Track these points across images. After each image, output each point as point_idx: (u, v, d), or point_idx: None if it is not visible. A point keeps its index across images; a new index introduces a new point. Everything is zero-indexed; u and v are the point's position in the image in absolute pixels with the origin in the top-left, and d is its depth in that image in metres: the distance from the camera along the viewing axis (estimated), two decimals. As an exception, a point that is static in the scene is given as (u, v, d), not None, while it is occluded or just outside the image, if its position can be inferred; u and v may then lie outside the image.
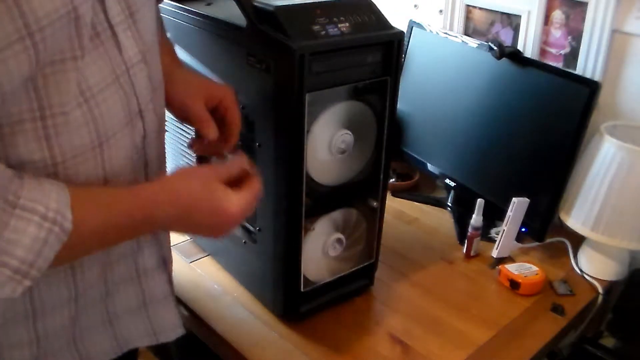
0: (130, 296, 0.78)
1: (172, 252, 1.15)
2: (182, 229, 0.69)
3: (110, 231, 0.61)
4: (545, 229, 1.15)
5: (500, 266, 1.11)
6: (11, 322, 0.66)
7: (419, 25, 1.42)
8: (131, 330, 0.79)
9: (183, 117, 0.81)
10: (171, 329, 0.83)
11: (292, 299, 0.96)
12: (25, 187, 0.55)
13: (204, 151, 0.90)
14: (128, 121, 0.65)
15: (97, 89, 0.60)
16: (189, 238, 1.20)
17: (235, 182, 0.69)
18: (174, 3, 1.00)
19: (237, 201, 0.67)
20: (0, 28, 0.49)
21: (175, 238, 1.20)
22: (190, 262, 1.13)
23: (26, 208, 0.54)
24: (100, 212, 0.60)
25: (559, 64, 1.23)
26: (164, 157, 0.79)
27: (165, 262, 0.82)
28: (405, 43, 1.42)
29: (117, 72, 0.62)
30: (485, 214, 1.16)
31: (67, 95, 0.57)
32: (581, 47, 1.18)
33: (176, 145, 1.14)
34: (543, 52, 1.26)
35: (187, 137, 1.09)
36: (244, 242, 1.01)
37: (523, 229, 1.16)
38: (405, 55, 1.43)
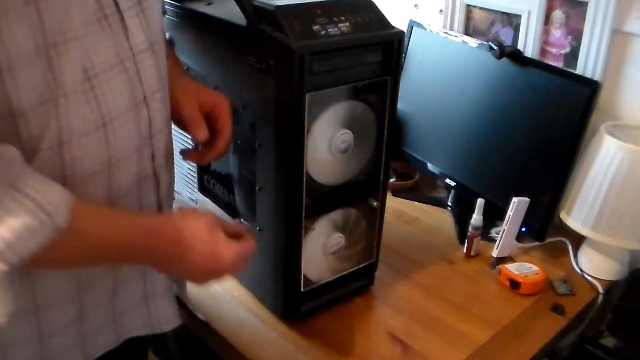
0: (135, 292, 0.79)
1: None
2: (174, 266, 0.68)
3: (105, 248, 0.61)
4: (545, 228, 1.15)
5: (500, 266, 1.11)
6: (14, 319, 0.65)
7: (419, 25, 1.42)
8: (130, 323, 0.80)
9: (176, 118, 0.82)
10: (167, 321, 0.84)
11: (292, 298, 0.96)
12: (35, 177, 0.55)
13: (193, 159, 0.93)
14: (132, 106, 0.66)
15: (101, 69, 0.61)
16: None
17: (234, 237, 0.72)
18: (174, 3, 1.00)
19: (234, 251, 0.69)
20: None
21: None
22: (191, 262, 1.13)
23: (28, 195, 0.54)
24: (100, 224, 0.60)
25: (559, 64, 1.23)
26: (172, 153, 0.81)
27: None
28: (406, 43, 1.42)
29: (123, 56, 0.64)
30: (486, 213, 1.16)
31: (73, 74, 0.58)
32: (581, 47, 1.18)
33: (176, 145, 1.14)
34: (543, 51, 1.26)
35: (187, 137, 1.09)
36: (244, 242, 1.01)
37: (523, 229, 1.16)
38: (405, 55, 1.43)
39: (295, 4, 0.83)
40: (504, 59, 1.21)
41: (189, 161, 1.01)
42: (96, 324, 0.75)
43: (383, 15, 0.88)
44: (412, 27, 1.43)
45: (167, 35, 1.01)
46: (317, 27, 0.81)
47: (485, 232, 1.20)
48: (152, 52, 0.68)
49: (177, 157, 1.15)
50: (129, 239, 0.62)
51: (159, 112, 0.71)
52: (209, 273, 0.69)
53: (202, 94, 0.83)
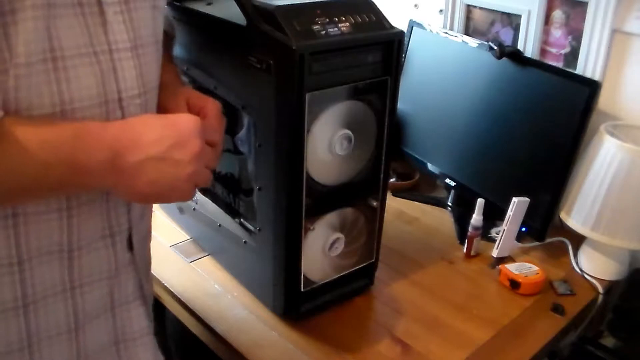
0: (102, 332, 0.71)
1: (173, 252, 1.16)
2: (135, 159, 0.59)
3: (44, 151, 0.55)
4: (545, 228, 1.15)
5: (500, 266, 1.11)
6: None
7: (419, 25, 1.42)
8: None
9: None
10: None
11: (292, 298, 0.96)
12: None
13: None
14: (102, 102, 0.62)
15: (69, 53, 0.57)
16: (188, 237, 1.20)
17: None
18: (174, 3, 1.00)
19: (193, 116, 0.63)
20: None
21: (175, 238, 1.20)
22: (190, 262, 1.13)
23: None
24: (38, 127, 0.55)
25: (559, 64, 1.23)
26: None
27: (144, 294, 0.77)
28: (406, 43, 1.42)
29: (97, 49, 0.60)
30: (486, 213, 1.16)
31: (30, 44, 0.54)
32: (581, 47, 1.18)
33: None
34: (543, 51, 1.26)
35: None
36: (244, 242, 1.01)
37: (523, 229, 1.16)
38: (405, 55, 1.43)
39: (295, 4, 0.83)
40: (504, 59, 1.21)
41: None
42: None
43: (383, 15, 0.88)
44: (412, 27, 1.43)
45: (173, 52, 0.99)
46: (317, 27, 0.81)
47: (485, 232, 1.20)
48: (135, 54, 0.64)
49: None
50: (74, 136, 0.56)
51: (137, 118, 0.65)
52: (178, 147, 0.60)
53: (191, 97, 0.78)
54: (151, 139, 0.59)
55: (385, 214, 1.01)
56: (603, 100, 1.14)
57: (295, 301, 0.96)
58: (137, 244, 0.73)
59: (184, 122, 0.62)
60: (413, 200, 1.40)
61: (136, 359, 0.75)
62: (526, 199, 1.12)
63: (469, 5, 1.37)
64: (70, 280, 0.66)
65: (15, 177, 0.55)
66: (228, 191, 1.04)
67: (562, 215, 1.14)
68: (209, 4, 0.98)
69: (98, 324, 0.71)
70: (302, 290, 0.95)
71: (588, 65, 1.18)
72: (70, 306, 0.67)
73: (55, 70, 0.57)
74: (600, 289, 1.10)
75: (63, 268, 0.65)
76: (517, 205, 1.12)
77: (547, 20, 1.23)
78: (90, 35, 0.60)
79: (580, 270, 1.15)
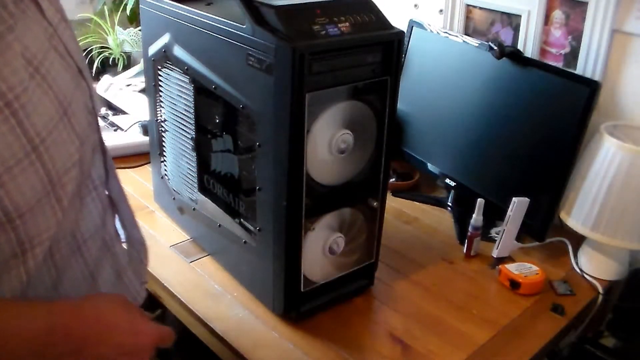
0: (109, 272, 0.73)
1: (173, 253, 1.16)
2: (90, 353, 0.60)
3: (16, 345, 0.53)
4: (545, 228, 1.15)
5: (500, 266, 1.11)
6: None
7: (419, 25, 1.42)
8: None
9: None
10: (142, 288, 0.79)
11: (292, 298, 0.96)
12: None
13: None
14: (76, 83, 0.62)
15: (41, 55, 0.56)
16: (188, 238, 1.20)
17: None
18: (174, 3, 1.00)
19: (154, 327, 0.67)
20: None
21: (175, 238, 1.20)
22: (190, 262, 1.13)
23: None
24: (11, 315, 0.53)
25: (559, 64, 1.23)
26: None
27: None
28: (405, 43, 1.42)
29: (47, 35, 0.59)
30: (486, 213, 1.16)
31: (19, 70, 0.53)
32: (581, 47, 1.18)
33: (176, 145, 1.14)
34: (543, 51, 1.26)
35: (187, 137, 1.09)
36: (244, 242, 1.01)
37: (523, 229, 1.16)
38: (405, 55, 1.43)
39: (295, 4, 0.83)
40: (504, 59, 1.21)
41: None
42: None
43: (383, 15, 0.89)
44: (412, 27, 1.43)
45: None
46: (317, 27, 0.81)
47: (485, 232, 1.20)
48: (66, 22, 0.63)
49: (176, 158, 1.15)
50: (48, 332, 0.55)
51: (90, 79, 0.66)
52: (134, 352, 0.64)
53: None
54: (112, 343, 0.61)
55: (385, 214, 1.01)
56: (603, 100, 1.14)
57: (295, 301, 0.96)
58: None
59: (148, 336, 0.65)
60: (413, 200, 1.40)
61: (131, 281, 0.76)
62: (526, 199, 1.12)
63: (469, 5, 1.37)
64: None
65: None
66: (228, 191, 1.04)
67: (562, 215, 1.14)
68: (209, 4, 0.98)
69: (104, 267, 0.70)
70: (302, 290, 0.95)
71: (588, 65, 1.18)
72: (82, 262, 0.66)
73: (44, 80, 0.56)
74: (600, 289, 1.10)
75: None
76: (517, 205, 1.12)
77: (547, 20, 1.23)
78: (40, 24, 0.57)
79: (580, 270, 1.15)
